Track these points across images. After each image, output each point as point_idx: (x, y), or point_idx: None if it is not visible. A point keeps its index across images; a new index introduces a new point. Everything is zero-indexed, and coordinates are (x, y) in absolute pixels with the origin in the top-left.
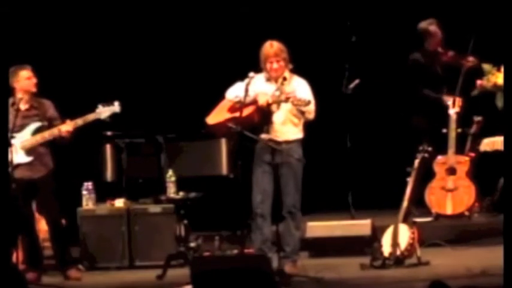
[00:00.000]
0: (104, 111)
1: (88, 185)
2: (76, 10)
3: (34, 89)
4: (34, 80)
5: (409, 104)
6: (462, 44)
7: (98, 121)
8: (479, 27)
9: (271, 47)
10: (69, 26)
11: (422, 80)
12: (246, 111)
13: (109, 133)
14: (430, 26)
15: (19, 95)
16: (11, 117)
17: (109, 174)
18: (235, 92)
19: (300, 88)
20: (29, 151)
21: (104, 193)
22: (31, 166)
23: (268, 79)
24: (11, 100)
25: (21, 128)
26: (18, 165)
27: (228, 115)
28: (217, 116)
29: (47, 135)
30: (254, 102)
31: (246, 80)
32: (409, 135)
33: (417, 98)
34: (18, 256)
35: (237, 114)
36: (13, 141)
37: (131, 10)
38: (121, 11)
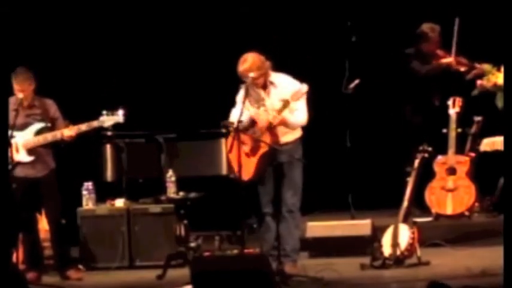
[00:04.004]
0: (107, 120)
1: (88, 185)
2: (78, 10)
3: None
4: (22, 94)
5: (403, 100)
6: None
7: (101, 128)
8: (479, 27)
9: (243, 64)
10: (71, 26)
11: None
12: (263, 139)
13: (109, 133)
14: (432, 31)
15: (19, 95)
16: (11, 116)
17: (109, 174)
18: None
19: (286, 86)
20: (30, 151)
21: (104, 193)
22: (33, 165)
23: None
24: (12, 99)
25: (24, 126)
26: (19, 164)
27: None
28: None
29: (49, 137)
30: (253, 123)
31: (247, 81)
32: (406, 133)
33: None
34: (18, 256)
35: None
36: (15, 139)
37: (133, 10)
38: (123, 11)
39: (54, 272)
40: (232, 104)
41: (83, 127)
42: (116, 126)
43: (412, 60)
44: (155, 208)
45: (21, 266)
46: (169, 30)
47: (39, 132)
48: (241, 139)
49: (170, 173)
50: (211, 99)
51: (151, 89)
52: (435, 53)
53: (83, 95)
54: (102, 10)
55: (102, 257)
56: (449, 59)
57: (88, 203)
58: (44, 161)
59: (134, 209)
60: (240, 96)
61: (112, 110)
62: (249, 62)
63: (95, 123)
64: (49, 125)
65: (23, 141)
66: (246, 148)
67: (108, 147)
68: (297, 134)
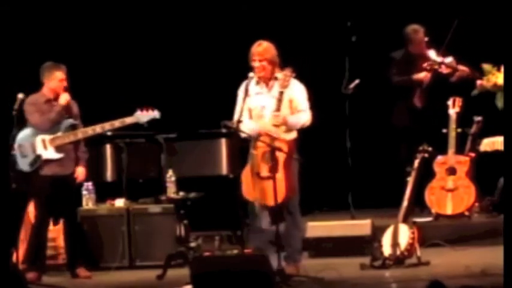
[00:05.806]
0: (143, 116)
1: (88, 185)
2: (76, 11)
3: (62, 92)
4: (65, 83)
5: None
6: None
7: (136, 125)
8: (478, 27)
9: (258, 46)
10: (70, 28)
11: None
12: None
13: (109, 133)
14: (414, 33)
15: (45, 90)
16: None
17: (109, 174)
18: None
19: (296, 94)
20: (59, 148)
21: (104, 193)
22: (61, 162)
23: (258, 82)
24: (34, 96)
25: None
26: (47, 161)
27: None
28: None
29: (80, 134)
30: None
31: (246, 81)
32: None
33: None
34: (18, 256)
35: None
36: (43, 136)
37: (132, 11)
38: (122, 11)
39: (54, 272)
40: (232, 103)
41: (117, 123)
42: None
43: (392, 64)
44: (155, 208)
45: (21, 266)
46: (169, 31)
47: (68, 129)
48: (254, 163)
49: (170, 173)
50: (211, 99)
51: (151, 89)
52: (423, 53)
53: (81, 95)
54: (101, 11)
55: (102, 257)
56: (422, 75)
57: (88, 203)
58: (71, 158)
59: (134, 209)
60: (240, 92)
61: (147, 107)
62: (264, 46)
63: (129, 119)
64: (77, 122)
65: (51, 138)
66: (264, 169)
67: (108, 147)
68: (293, 135)
